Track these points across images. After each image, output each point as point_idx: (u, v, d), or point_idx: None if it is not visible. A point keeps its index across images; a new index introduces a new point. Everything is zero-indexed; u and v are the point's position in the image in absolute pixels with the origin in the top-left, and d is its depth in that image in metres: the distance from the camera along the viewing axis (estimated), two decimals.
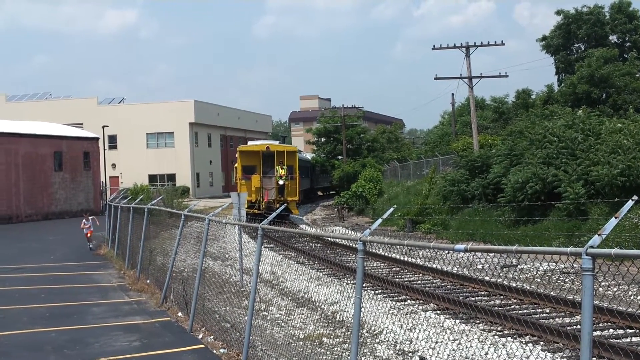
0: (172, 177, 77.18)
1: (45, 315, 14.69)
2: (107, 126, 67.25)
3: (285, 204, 33.59)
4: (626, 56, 56.34)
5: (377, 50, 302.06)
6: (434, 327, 12.31)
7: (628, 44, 58.21)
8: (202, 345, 11.64)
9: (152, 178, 75.53)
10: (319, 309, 14.29)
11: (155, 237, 19.95)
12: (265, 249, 23.97)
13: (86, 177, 56.47)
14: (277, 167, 38.51)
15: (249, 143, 53.64)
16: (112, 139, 75.23)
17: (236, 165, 42.95)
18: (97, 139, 59.43)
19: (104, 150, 63.80)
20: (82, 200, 55.78)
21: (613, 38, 58.28)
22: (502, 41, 40.16)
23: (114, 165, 75.43)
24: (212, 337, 12.19)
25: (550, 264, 18.17)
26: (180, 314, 14.22)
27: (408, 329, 12.05)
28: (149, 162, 76.57)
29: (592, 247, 4.64)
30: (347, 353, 9.91)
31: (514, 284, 15.87)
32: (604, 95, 50.19)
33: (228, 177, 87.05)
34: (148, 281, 18.21)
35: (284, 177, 38.13)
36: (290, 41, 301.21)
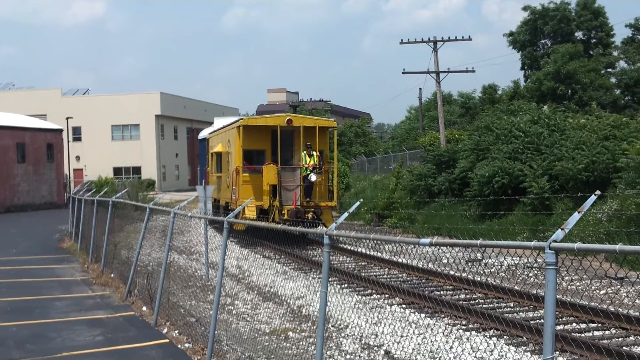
0: (137, 170, 76.60)
1: (7, 310, 14.45)
2: (72, 118, 66.46)
3: (314, 212, 24.57)
4: (591, 52, 57.08)
5: (347, 44, 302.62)
6: (400, 321, 12.34)
7: (593, 40, 58.98)
8: (167, 340, 11.54)
9: (117, 171, 74.90)
10: (285, 303, 14.25)
11: (119, 231, 19.75)
12: (231, 242, 23.86)
13: (49, 170, 55.77)
14: (302, 153, 24.46)
15: (218, 121, 39.26)
16: (77, 131, 74.43)
17: (216, 150, 29.94)
18: (60, 130, 58.70)
19: (68, 142, 63.04)
20: (46, 193, 55.10)
21: (579, 34, 59.02)
22: (469, 36, 40.44)
23: (78, 158, 74.60)
24: (177, 331, 12.10)
25: (514, 258, 18.32)
26: (144, 308, 14.10)
27: (374, 323, 12.07)
28: (114, 155, 75.89)
29: (555, 241, 4.66)
30: (312, 347, 9.89)
31: (478, 279, 15.97)
32: (570, 91, 50.80)
33: (194, 170, 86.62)
34: (112, 275, 18.02)
35: (316, 170, 24.49)
36: (259, 34, 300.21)
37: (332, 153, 28.82)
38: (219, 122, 37.51)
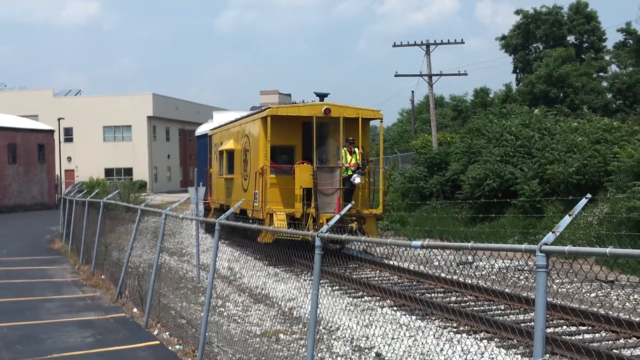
0: (129, 171, 76.39)
1: None
2: (63, 118, 66.23)
3: (352, 220, 20.18)
4: (583, 57, 57.28)
5: (340, 47, 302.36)
6: (391, 323, 12.34)
7: (585, 44, 59.16)
8: (158, 342, 11.52)
9: (109, 172, 74.65)
10: (276, 305, 14.24)
11: (111, 232, 19.70)
12: (223, 244, 23.82)
13: (41, 170, 55.58)
14: (342, 149, 20.55)
15: (219, 117, 33.93)
16: (68, 132, 74.14)
17: (226, 148, 25.44)
18: (52, 131, 58.53)
19: (60, 143, 62.85)
20: (36, 194, 54.92)
21: (571, 38, 59.16)
22: (462, 39, 40.54)
23: (69, 159, 74.34)
24: (167, 333, 12.07)
25: (505, 261, 18.35)
26: (135, 309, 14.06)
27: (365, 326, 12.07)
28: (105, 156, 75.66)
29: (546, 244, 4.68)
30: (303, 349, 9.88)
31: (469, 281, 16.00)
32: (562, 95, 50.96)
33: (186, 172, 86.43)
34: (103, 276, 17.98)
35: (359, 171, 20.52)
36: (253, 36, 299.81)
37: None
38: (219, 118, 33.28)
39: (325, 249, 8.26)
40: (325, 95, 21.76)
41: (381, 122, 22.46)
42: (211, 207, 28.40)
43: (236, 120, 25.33)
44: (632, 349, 10.34)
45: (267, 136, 20.40)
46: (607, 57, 58.07)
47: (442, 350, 10.37)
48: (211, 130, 30.67)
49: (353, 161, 20.38)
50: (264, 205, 20.49)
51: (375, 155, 25.87)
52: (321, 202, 20.03)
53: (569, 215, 4.84)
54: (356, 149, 20.53)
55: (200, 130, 36.68)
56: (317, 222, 19.61)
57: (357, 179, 20.12)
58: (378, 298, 14.87)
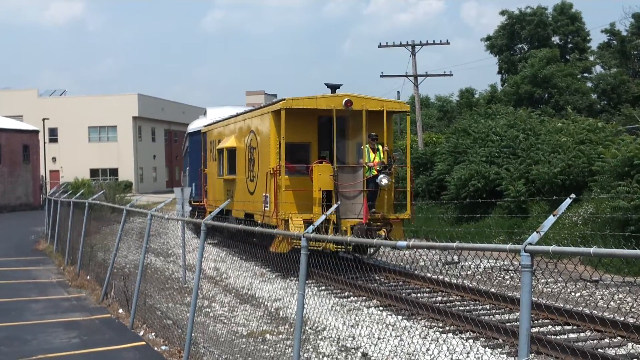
0: (114, 172, 76.15)
1: None
2: (48, 119, 65.92)
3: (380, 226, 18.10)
4: (568, 57, 57.60)
5: (327, 47, 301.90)
6: (377, 323, 12.37)
7: (570, 45, 59.49)
8: (143, 342, 11.49)
9: (94, 172, 74.38)
10: (262, 305, 14.24)
11: (96, 233, 19.65)
12: (209, 245, 23.77)
13: (25, 171, 55.30)
14: (365, 146, 18.36)
15: (213, 112, 30.93)
16: (53, 132, 73.87)
17: (227, 145, 23.10)
18: (37, 132, 58.25)
19: (44, 143, 62.54)
20: (21, 195, 54.63)
21: (555, 39, 59.47)
22: (447, 40, 40.84)
23: (54, 159, 74.00)
24: (153, 334, 12.04)
25: (490, 261, 18.44)
26: (121, 310, 14.02)
27: (351, 326, 12.08)
28: (91, 156, 75.40)
29: (530, 244, 4.71)
30: (290, 349, 9.89)
31: (455, 281, 16.05)
32: (546, 95, 51.23)
33: (172, 172, 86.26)
34: (88, 277, 17.91)
35: (386, 171, 18.40)
36: (239, 37, 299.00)
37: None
38: (214, 113, 30.36)
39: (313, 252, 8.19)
40: (337, 86, 19.40)
41: (408, 115, 20.58)
42: (207, 210, 26.07)
43: (238, 114, 23.04)
44: (616, 348, 10.41)
45: (281, 132, 18.11)
46: (591, 58, 58.43)
47: (428, 350, 10.40)
48: (205, 126, 28.19)
49: (377, 159, 18.30)
50: (277, 210, 18.32)
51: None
52: (343, 206, 17.57)
53: (554, 215, 4.87)
54: (380, 146, 18.49)
55: (193, 127, 33.98)
56: (340, 228, 17.56)
57: (384, 180, 17.95)
58: (364, 298, 14.89)
